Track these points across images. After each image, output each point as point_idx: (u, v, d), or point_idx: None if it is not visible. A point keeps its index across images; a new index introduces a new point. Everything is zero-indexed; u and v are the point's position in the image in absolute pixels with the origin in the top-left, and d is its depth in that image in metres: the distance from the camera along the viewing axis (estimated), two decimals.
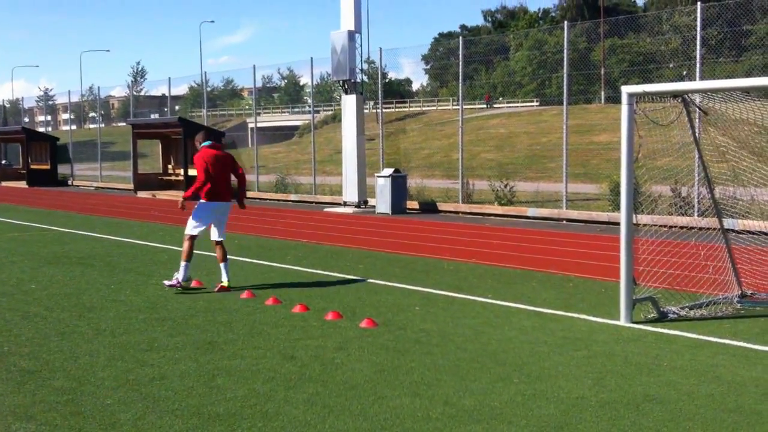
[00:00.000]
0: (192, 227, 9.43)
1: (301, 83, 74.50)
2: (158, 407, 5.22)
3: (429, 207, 20.20)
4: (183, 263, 9.26)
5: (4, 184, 37.14)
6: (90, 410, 5.16)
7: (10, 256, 12.41)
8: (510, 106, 52.73)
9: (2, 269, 11.11)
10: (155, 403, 5.29)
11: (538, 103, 50.87)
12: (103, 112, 42.81)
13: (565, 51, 18.11)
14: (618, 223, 7.92)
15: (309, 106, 32.18)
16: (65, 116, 58.35)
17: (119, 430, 4.80)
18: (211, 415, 5.06)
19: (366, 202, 20.99)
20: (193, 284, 9.51)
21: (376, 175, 20.32)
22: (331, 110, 51.86)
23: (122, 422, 4.94)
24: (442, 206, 20.00)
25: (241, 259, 11.89)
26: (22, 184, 35.57)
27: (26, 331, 7.39)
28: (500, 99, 58.14)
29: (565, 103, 18.13)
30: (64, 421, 4.95)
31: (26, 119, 49.55)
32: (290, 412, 5.10)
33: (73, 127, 42.04)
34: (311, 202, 23.41)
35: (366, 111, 25.33)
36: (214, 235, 9.56)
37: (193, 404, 5.28)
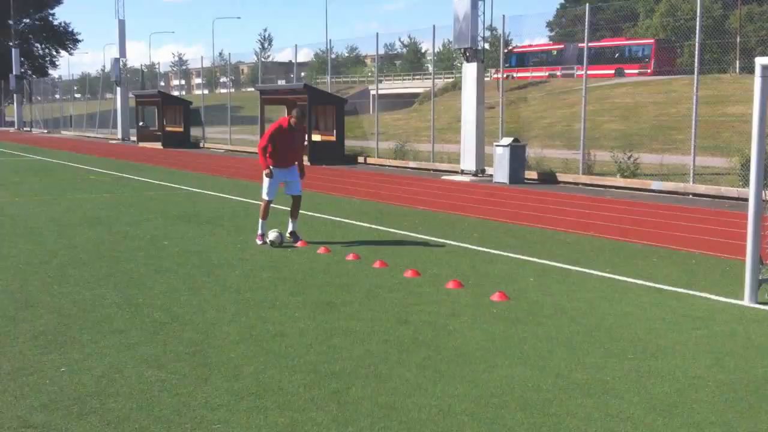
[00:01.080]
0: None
1: (423, 50, 74.30)
2: (278, 362, 5.50)
3: (548, 177, 19.90)
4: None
5: (141, 145, 39.16)
6: (215, 362, 5.50)
7: (145, 214, 13.18)
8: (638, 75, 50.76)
9: (138, 226, 11.82)
10: (276, 359, 5.58)
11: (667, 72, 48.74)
12: (233, 78, 44.22)
13: (698, 17, 17.30)
14: (747, 200, 7.61)
15: (430, 74, 32.17)
16: (197, 81, 60.64)
17: (242, 382, 5.10)
18: (327, 373, 5.29)
19: (484, 171, 20.90)
20: (299, 244, 10.24)
21: (494, 143, 20.17)
22: (452, 78, 51.50)
23: (245, 375, 5.24)
24: (561, 177, 19.66)
25: (359, 224, 12.17)
26: (158, 146, 37.36)
27: (159, 284, 7.89)
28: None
29: (696, 72, 17.36)
30: (192, 371, 5.30)
31: (162, 83, 51.85)
32: (403, 375, 5.26)
33: (205, 91, 43.65)
34: (429, 170, 23.51)
35: (487, 79, 25.09)
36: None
37: (310, 361, 5.52)
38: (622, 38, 50.19)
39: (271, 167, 10.39)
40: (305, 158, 26.29)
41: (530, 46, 55.72)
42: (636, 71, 46.70)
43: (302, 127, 10.57)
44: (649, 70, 46.06)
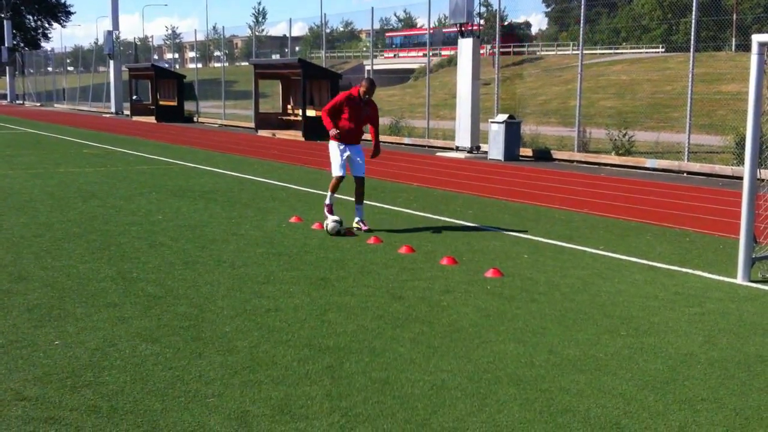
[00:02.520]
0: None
1: (418, 26, 73.89)
2: (272, 337, 5.51)
3: (543, 154, 19.89)
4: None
5: (135, 118, 38.96)
6: (210, 336, 5.51)
7: (139, 188, 13.13)
8: (633, 52, 50.67)
9: (132, 200, 11.79)
10: (270, 333, 5.59)
11: (663, 50, 48.65)
12: (227, 52, 43.94)
13: None
14: (742, 178, 7.62)
15: (425, 50, 32.00)
16: (191, 54, 60.24)
17: (236, 356, 5.11)
18: (321, 347, 5.30)
19: (479, 148, 20.87)
20: (366, 230, 9.46)
21: (489, 120, 20.12)
22: (448, 54, 51.29)
23: (239, 349, 5.25)
24: (556, 154, 19.65)
25: (353, 199, 12.15)
26: (151, 120, 37.18)
27: (153, 259, 7.88)
28: (623, 44, 55.95)
29: (692, 49, 17.30)
30: (186, 345, 5.31)
31: (155, 57, 51.47)
32: (396, 350, 5.28)
33: (199, 65, 43.41)
34: (424, 146, 23.46)
35: (482, 55, 24.96)
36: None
37: (304, 336, 5.54)
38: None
39: (335, 131, 9.43)
40: (299, 133, 26.37)
41: (404, 30, 60.44)
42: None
43: (373, 103, 9.68)
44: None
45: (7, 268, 7.41)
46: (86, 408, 4.27)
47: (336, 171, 9.64)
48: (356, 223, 9.63)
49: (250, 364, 4.96)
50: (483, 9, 47.56)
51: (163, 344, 5.32)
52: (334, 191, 9.73)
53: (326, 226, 9.29)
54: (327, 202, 9.74)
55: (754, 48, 7.22)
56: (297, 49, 48.10)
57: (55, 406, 4.29)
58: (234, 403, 4.37)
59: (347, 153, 9.64)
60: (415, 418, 4.21)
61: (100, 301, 6.32)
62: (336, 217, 9.30)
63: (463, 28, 20.71)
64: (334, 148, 9.69)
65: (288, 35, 35.32)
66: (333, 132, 9.44)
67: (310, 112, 27.30)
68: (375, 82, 9.59)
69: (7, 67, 63.95)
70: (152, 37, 53.74)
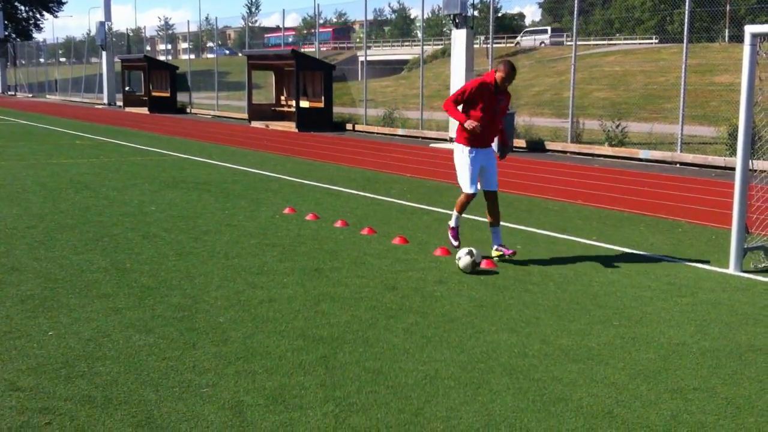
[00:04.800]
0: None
1: (412, 16, 73.77)
2: (266, 327, 5.52)
3: (536, 146, 19.90)
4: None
5: (128, 109, 38.83)
6: (204, 327, 5.51)
7: (132, 179, 13.11)
8: (627, 43, 50.66)
9: (125, 191, 11.76)
10: (264, 324, 5.60)
11: (657, 41, 48.67)
12: (220, 43, 43.78)
13: None
14: (734, 169, 7.65)
15: (419, 41, 31.94)
16: (184, 45, 60.03)
17: (230, 347, 5.11)
18: (315, 338, 5.31)
19: None
20: (507, 253, 7.63)
21: None
22: (441, 45, 51.22)
23: (233, 339, 5.26)
24: (550, 145, 19.67)
25: (347, 191, 12.16)
26: (144, 111, 37.07)
27: (146, 250, 7.87)
28: (617, 35, 55.94)
29: (685, 40, 17.33)
30: (180, 336, 5.31)
31: (148, 48, 51.27)
32: (390, 340, 5.30)
33: (192, 56, 43.23)
34: (417, 137, 23.45)
35: (476, 46, 24.94)
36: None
37: (298, 326, 5.55)
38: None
39: (474, 123, 7.26)
40: (293, 124, 26.32)
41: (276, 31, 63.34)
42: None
43: (508, 93, 7.57)
44: None
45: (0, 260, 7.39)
46: (80, 398, 4.28)
47: (468, 187, 7.51)
48: (496, 250, 7.61)
49: (244, 355, 4.97)
50: (476, 0, 47.44)
51: (156, 335, 5.32)
52: (462, 211, 7.75)
53: (458, 262, 7.15)
54: (452, 224, 7.79)
55: (747, 39, 7.23)
56: (290, 40, 47.93)
57: (50, 397, 4.29)
58: (228, 393, 4.38)
59: (480, 162, 7.54)
60: (408, 407, 4.23)
61: (93, 292, 6.32)
62: (468, 249, 7.19)
63: (457, 19, 20.69)
64: (463, 155, 7.51)
65: (281, 26, 35.21)
66: (471, 124, 7.24)
67: (304, 103, 27.26)
68: (516, 69, 7.45)
69: None
70: (145, 28, 53.54)
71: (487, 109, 7.36)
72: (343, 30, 72.54)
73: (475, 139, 7.41)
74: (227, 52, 45.96)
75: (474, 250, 7.13)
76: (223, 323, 5.60)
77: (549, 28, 56.95)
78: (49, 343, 5.13)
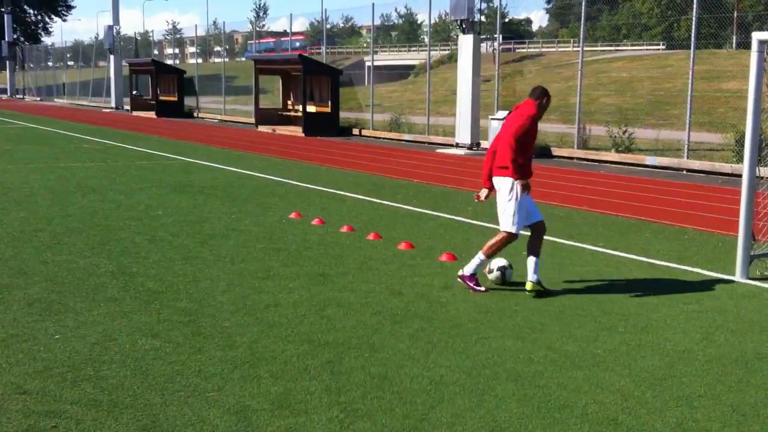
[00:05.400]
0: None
1: (419, 22, 73.87)
2: (272, 332, 5.52)
3: (543, 151, 19.87)
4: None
5: (135, 113, 38.93)
6: (209, 331, 5.53)
7: (139, 183, 13.15)
8: (634, 49, 50.62)
9: (132, 195, 11.80)
10: (269, 329, 5.60)
11: (664, 47, 48.62)
12: (227, 47, 43.89)
13: None
14: (741, 176, 7.63)
15: (426, 46, 31.99)
16: (192, 50, 60.25)
17: (236, 352, 5.12)
18: (321, 343, 5.32)
19: (479, 144, 20.86)
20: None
21: (490, 117, 20.09)
22: (448, 50, 51.26)
23: (239, 344, 5.27)
24: (556, 151, 19.65)
25: (353, 196, 12.18)
26: (151, 115, 37.15)
27: (153, 254, 7.89)
28: (624, 41, 55.90)
29: (692, 47, 17.30)
30: (186, 340, 5.33)
31: (156, 52, 51.44)
32: (395, 345, 5.30)
33: (199, 60, 43.35)
34: (424, 143, 23.45)
35: (483, 51, 24.94)
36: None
37: (304, 331, 5.55)
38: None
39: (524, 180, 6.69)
40: (299, 128, 26.38)
41: (268, 38, 63.96)
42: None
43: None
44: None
45: (7, 263, 7.42)
46: (86, 402, 4.29)
47: (513, 227, 6.78)
48: (536, 284, 6.66)
49: (249, 359, 4.98)
50: (484, 5, 47.53)
51: (162, 339, 5.34)
52: (495, 253, 6.87)
53: (489, 275, 6.90)
54: (471, 271, 6.79)
55: (755, 45, 7.23)
56: (297, 44, 48.05)
57: (56, 400, 4.31)
58: (233, 397, 4.39)
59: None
60: (413, 413, 4.23)
61: (100, 296, 6.34)
62: (504, 265, 6.94)
63: (464, 25, 20.70)
64: (514, 191, 6.75)
65: (289, 30, 35.30)
66: (524, 183, 6.69)
67: (311, 108, 27.29)
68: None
69: (7, 62, 63.85)
70: (153, 32, 53.76)
71: (531, 139, 6.85)
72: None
73: (524, 173, 6.76)
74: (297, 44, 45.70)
75: (509, 270, 6.89)
76: (229, 328, 5.61)
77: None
78: (55, 347, 5.15)
